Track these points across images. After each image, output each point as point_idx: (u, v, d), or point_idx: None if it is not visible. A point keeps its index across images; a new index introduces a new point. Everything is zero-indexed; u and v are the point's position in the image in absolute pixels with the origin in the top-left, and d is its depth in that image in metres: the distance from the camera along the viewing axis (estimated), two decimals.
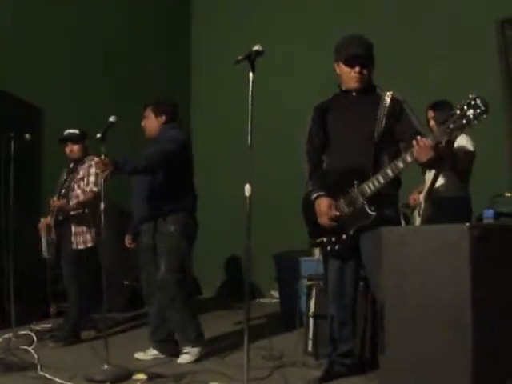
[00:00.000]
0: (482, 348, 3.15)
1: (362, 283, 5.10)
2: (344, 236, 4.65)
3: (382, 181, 4.42)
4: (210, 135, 10.77)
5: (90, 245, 6.54)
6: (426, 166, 4.72)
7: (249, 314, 4.24)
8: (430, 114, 6.04)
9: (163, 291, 5.56)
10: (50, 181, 7.92)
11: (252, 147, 4.16)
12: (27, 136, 6.73)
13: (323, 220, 4.71)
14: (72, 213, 6.61)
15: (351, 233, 4.61)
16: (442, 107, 5.97)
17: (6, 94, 7.96)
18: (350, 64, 4.66)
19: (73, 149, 6.80)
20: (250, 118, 4.15)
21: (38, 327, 6.89)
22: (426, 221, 5.89)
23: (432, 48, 8.30)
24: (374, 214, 4.48)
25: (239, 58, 4.15)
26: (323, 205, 4.71)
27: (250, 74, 4.14)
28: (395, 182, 4.60)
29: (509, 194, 5.84)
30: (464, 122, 3.91)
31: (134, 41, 10.30)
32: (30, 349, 5.86)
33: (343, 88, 4.81)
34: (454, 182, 5.94)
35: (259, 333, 5.90)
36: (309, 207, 4.88)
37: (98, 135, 5.17)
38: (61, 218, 6.63)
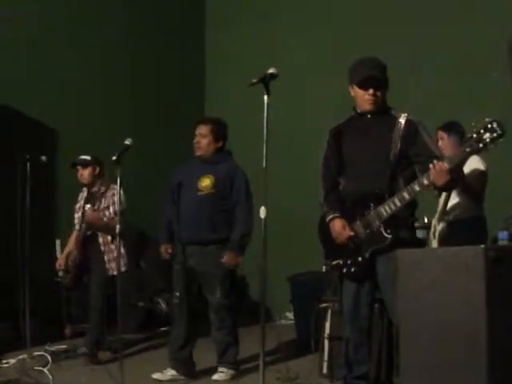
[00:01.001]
0: (497, 371, 3.13)
1: (377, 305, 5.10)
2: (360, 258, 4.63)
3: (398, 204, 4.42)
4: None
5: (123, 269, 6.57)
6: (442, 189, 4.70)
7: (264, 336, 4.24)
8: (441, 134, 6.03)
9: (216, 313, 5.79)
10: (65, 202, 7.97)
11: (267, 170, 4.17)
12: (43, 158, 6.77)
13: (339, 240, 4.69)
14: (101, 239, 6.79)
15: (367, 255, 4.59)
16: (453, 128, 5.98)
17: (22, 115, 8.03)
18: (363, 86, 4.65)
19: (83, 174, 6.83)
20: (265, 141, 4.15)
21: (52, 348, 6.88)
22: (442, 242, 5.87)
23: (444, 66, 8.30)
24: (390, 236, 4.47)
25: (254, 80, 4.17)
26: (337, 226, 4.69)
27: (265, 97, 4.14)
28: (411, 204, 4.59)
29: None
30: (481, 145, 3.91)
31: (149, 63, 10.31)
32: (44, 370, 5.86)
33: (358, 110, 4.80)
34: (468, 202, 5.92)
35: (274, 354, 5.89)
36: (324, 229, 4.87)
37: (114, 158, 5.21)
38: (89, 232, 6.66)
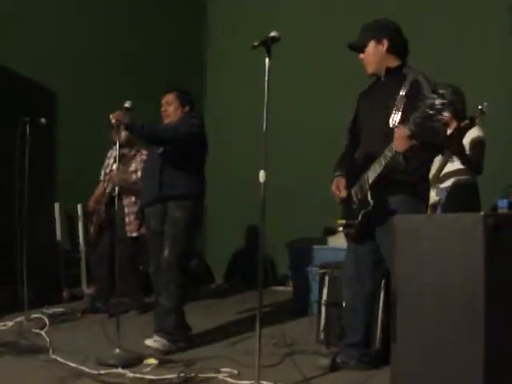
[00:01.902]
0: (493, 335, 3.13)
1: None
2: (356, 221, 4.67)
3: (378, 170, 4.44)
4: (225, 121, 10.70)
5: (142, 231, 6.66)
6: (406, 155, 4.39)
7: (261, 301, 4.26)
8: None
9: (162, 274, 5.48)
10: (65, 165, 7.95)
11: (267, 134, 4.17)
12: (42, 120, 6.73)
13: (336, 198, 4.83)
14: (126, 201, 7.08)
15: (360, 218, 4.61)
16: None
17: (22, 77, 7.98)
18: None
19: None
20: (265, 105, 4.16)
21: (50, 311, 6.89)
22: (432, 207, 5.86)
23: (443, 34, 8.26)
24: (371, 202, 4.50)
25: (255, 43, 4.18)
26: (333, 185, 4.84)
27: (266, 60, 4.16)
28: (413, 169, 4.49)
29: None
30: (431, 112, 3.92)
31: (150, 26, 10.24)
32: (42, 332, 5.86)
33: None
34: (464, 169, 5.90)
35: (271, 320, 5.90)
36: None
37: (112, 121, 5.20)
38: (114, 193, 6.71)
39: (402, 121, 4.41)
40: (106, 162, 7.48)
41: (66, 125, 8.48)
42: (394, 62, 4.69)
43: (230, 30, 10.89)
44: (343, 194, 4.75)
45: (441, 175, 5.88)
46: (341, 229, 5.02)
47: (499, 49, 7.75)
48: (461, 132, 5.61)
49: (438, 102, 3.87)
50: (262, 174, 4.17)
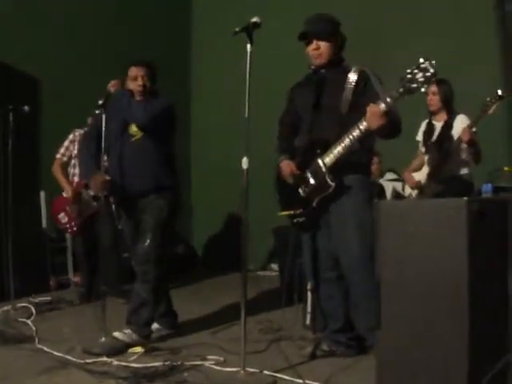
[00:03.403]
0: (478, 321, 3.14)
1: None
2: (308, 207, 4.68)
3: (341, 151, 4.45)
4: (208, 107, 10.73)
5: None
6: (378, 133, 4.47)
7: (246, 287, 4.26)
8: (431, 88, 5.96)
9: (141, 265, 5.32)
10: (49, 153, 7.90)
11: (249, 119, 4.17)
12: (26, 108, 6.67)
13: (289, 179, 4.80)
14: None
15: (314, 204, 4.63)
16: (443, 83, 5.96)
17: (5, 65, 7.91)
18: (306, 43, 4.74)
19: None
20: (247, 90, 4.17)
21: (36, 300, 6.87)
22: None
23: (430, 22, 8.25)
24: (333, 183, 4.51)
25: (237, 29, 4.18)
26: (284, 165, 4.83)
27: (248, 46, 4.18)
28: (364, 150, 4.61)
29: (507, 169, 5.82)
30: (414, 85, 3.93)
31: (134, 11, 10.20)
32: (28, 321, 5.84)
33: (312, 67, 4.83)
34: (463, 160, 5.91)
35: (257, 306, 5.91)
36: (281, 181, 4.95)
37: (100, 102, 5.16)
38: None
39: (352, 107, 4.53)
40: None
41: (49, 112, 8.44)
42: (339, 57, 4.80)
43: (215, 16, 10.86)
44: (296, 170, 4.75)
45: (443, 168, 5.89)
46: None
47: (489, 36, 7.74)
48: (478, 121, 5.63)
49: (419, 75, 3.90)
50: (244, 161, 4.19)
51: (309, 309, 5.65)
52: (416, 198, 5.94)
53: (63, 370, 4.45)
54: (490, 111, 5.48)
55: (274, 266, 9.08)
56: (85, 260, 7.27)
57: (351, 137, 4.37)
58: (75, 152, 7.26)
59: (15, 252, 6.53)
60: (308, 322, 5.64)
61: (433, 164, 5.97)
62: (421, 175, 6.06)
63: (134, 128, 5.40)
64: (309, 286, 5.64)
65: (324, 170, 4.54)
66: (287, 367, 4.29)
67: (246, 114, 4.20)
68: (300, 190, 4.75)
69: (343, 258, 4.62)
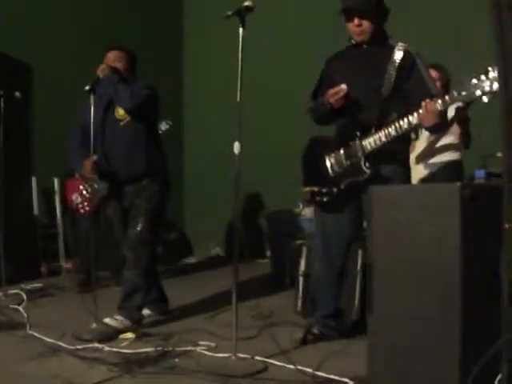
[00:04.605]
0: (470, 307, 3.13)
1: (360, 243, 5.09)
2: (335, 189, 4.58)
3: (383, 139, 4.33)
4: (200, 92, 10.71)
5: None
6: (429, 130, 4.58)
7: (237, 272, 4.25)
8: (432, 73, 5.93)
9: (133, 250, 5.29)
10: (40, 139, 7.88)
11: (242, 104, 4.16)
12: (17, 94, 6.64)
13: (338, 97, 4.50)
14: None
15: (342, 186, 4.55)
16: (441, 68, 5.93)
17: None
18: (347, 18, 4.56)
19: None
20: (239, 75, 4.16)
21: (28, 287, 6.86)
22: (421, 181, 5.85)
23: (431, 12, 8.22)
24: (368, 171, 4.41)
25: (229, 13, 4.14)
26: (330, 91, 4.54)
27: (240, 30, 4.15)
28: (403, 139, 4.49)
29: (500, 155, 5.80)
30: (478, 92, 3.75)
31: None
32: (19, 308, 5.83)
33: (353, 41, 4.69)
34: (453, 143, 5.90)
35: (249, 292, 5.90)
36: (308, 156, 4.85)
37: (87, 87, 5.14)
38: None
39: (395, 90, 4.43)
40: None
41: (41, 98, 8.41)
42: (382, 32, 4.65)
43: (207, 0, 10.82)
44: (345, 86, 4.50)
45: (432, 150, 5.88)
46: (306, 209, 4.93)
47: (484, 22, 7.71)
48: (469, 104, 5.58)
49: (486, 83, 3.71)
50: (236, 146, 4.17)
51: (300, 294, 5.65)
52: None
53: (54, 356, 4.44)
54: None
55: (266, 253, 9.08)
56: (87, 243, 7.09)
57: (398, 127, 4.25)
58: None
59: (6, 238, 6.51)
60: (299, 307, 5.64)
61: (424, 147, 5.96)
62: (410, 159, 6.05)
63: (120, 112, 5.38)
64: (300, 272, 5.64)
65: (360, 154, 4.44)
66: (278, 353, 4.27)
67: (238, 98, 4.18)
68: (330, 170, 4.65)
69: None
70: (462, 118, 5.58)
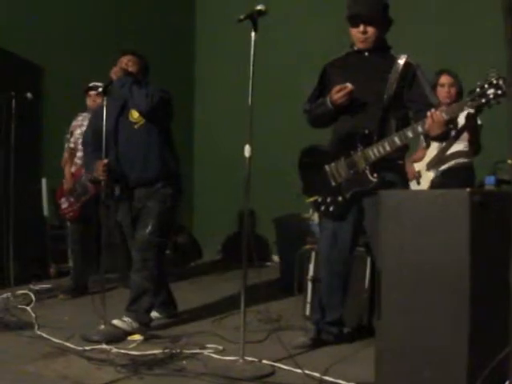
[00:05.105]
0: (479, 313, 3.13)
1: (362, 249, 5.11)
2: (340, 198, 4.61)
3: (387, 148, 4.36)
4: (211, 95, 10.71)
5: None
6: (435, 139, 4.74)
7: (246, 276, 4.26)
8: (447, 79, 5.90)
9: (141, 252, 5.28)
10: (51, 140, 7.90)
11: (253, 107, 4.16)
12: (29, 95, 6.66)
13: (342, 95, 4.52)
14: None
15: (348, 196, 4.57)
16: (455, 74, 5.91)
17: (8, 52, 7.90)
18: (353, 24, 4.59)
19: (96, 100, 6.88)
20: (251, 78, 4.16)
21: (37, 287, 6.88)
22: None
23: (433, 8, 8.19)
24: (375, 180, 4.43)
25: (241, 17, 4.16)
26: (334, 89, 4.55)
27: (252, 34, 4.16)
28: (401, 148, 4.51)
29: (511, 161, 5.78)
30: (483, 101, 3.85)
31: (138, 1, 10.18)
32: (28, 308, 5.85)
33: (355, 48, 4.71)
34: (465, 151, 5.88)
35: (258, 296, 5.90)
36: (305, 164, 4.88)
37: (100, 89, 5.20)
38: None
39: (395, 98, 4.49)
40: (79, 131, 7.12)
41: (52, 99, 8.42)
42: (384, 41, 4.70)
43: (219, 4, 10.81)
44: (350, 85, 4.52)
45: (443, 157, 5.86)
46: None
47: (488, 23, 7.69)
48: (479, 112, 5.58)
49: (491, 91, 3.82)
50: (247, 149, 4.18)
51: (308, 299, 5.64)
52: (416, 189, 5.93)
53: (62, 357, 4.46)
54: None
55: (275, 257, 9.07)
56: (78, 247, 7.04)
57: (403, 136, 4.30)
58: (78, 138, 7.16)
59: (16, 239, 6.53)
60: (307, 312, 5.63)
61: (435, 154, 5.95)
62: (421, 166, 6.04)
63: (134, 115, 5.38)
64: (309, 276, 5.63)
65: (365, 163, 4.47)
66: (286, 357, 4.28)
67: (250, 102, 4.19)
68: (331, 179, 4.68)
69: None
70: (471, 125, 5.57)
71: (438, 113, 4.11)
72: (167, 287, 5.75)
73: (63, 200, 7.05)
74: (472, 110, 5.58)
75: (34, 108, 7.73)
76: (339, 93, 4.51)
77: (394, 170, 4.60)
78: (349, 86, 4.49)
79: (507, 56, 2.58)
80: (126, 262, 7.07)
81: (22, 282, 6.72)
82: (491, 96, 3.81)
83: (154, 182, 5.37)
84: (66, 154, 7.34)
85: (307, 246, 5.83)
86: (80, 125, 7.14)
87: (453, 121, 4.34)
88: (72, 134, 7.25)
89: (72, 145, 7.24)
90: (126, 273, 6.97)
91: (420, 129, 4.22)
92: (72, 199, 6.96)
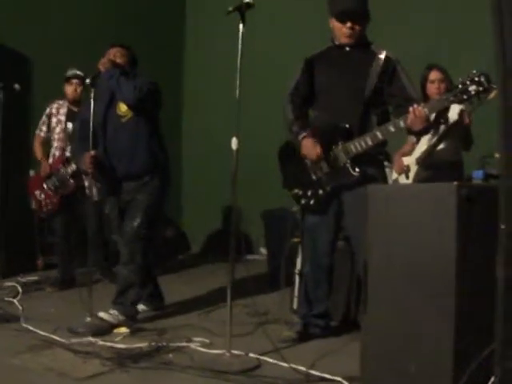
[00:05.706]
0: (466, 308, 3.13)
1: (342, 242, 5.12)
2: (320, 191, 4.64)
3: (369, 142, 4.41)
4: (200, 88, 10.70)
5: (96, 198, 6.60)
6: (416, 134, 4.83)
7: (233, 269, 4.25)
8: (437, 75, 5.88)
9: (128, 244, 5.27)
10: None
11: (240, 100, 4.16)
12: (16, 86, 6.61)
13: (310, 158, 4.63)
14: None
15: (328, 189, 4.60)
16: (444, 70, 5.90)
17: None
18: (341, 19, 4.58)
19: (77, 89, 6.85)
20: (238, 71, 4.16)
21: (24, 280, 6.86)
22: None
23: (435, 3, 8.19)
24: (356, 174, 4.46)
25: (230, 9, 4.17)
26: (309, 143, 4.61)
27: (240, 26, 4.17)
28: (382, 143, 4.56)
29: (499, 156, 5.77)
30: (464, 97, 3.93)
31: None
32: (14, 300, 5.84)
33: (336, 43, 4.72)
34: (454, 145, 5.87)
35: (245, 290, 5.90)
36: (286, 156, 4.94)
37: (88, 80, 5.16)
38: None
39: (376, 92, 4.53)
40: (55, 118, 7.19)
41: (40, 91, 8.38)
42: (365, 37, 4.73)
43: None
44: (320, 151, 4.59)
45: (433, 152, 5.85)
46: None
47: (477, 13, 7.69)
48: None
49: (472, 87, 3.88)
50: (234, 141, 4.18)
51: (296, 293, 5.64)
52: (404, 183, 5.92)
53: (48, 350, 4.45)
54: (492, 95, 5.43)
55: (263, 250, 9.06)
56: (62, 241, 7.07)
57: (384, 131, 4.35)
58: (55, 127, 7.17)
59: (3, 231, 6.50)
60: (295, 305, 5.62)
61: (425, 149, 5.94)
62: (410, 160, 6.03)
63: (122, 108, 5.37)
64: (297, 270, 5.62)
65: (346, 158, 4.50)
66: (272, 350, 4.28)
67: (237, 95, 4.19)
68: (312, 173, 4.70)
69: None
70: (463, 121, 5.58)
71: (420, 108, 4.16)
72: (155, 280, 5.74)
73: (38, 192, 7.00)
74: (465, 107, 5.59)
75: (22, 99, 7.68)
76: (316, 149, 4.59)
77: (375, 165, 4.65)
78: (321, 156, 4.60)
79: (496, 52, 2.57)
80: (103, 255, 7.11)
81: (9, 274, 6.70)
82: (473, 92, 3.89)
83: (143, 175, 5.37)
84: (36, 143, 7.32)
85: (295, 240, 5.82)
86: (56, 113, 7.16)
87: (443, 116, 4.36)
88: (46, 122, 7.20)
89: (43, 134, 7.21)
90: (107, 268, 7.00)
91: (402, 123, 4.27)
92: (50, 192, 6.92)
